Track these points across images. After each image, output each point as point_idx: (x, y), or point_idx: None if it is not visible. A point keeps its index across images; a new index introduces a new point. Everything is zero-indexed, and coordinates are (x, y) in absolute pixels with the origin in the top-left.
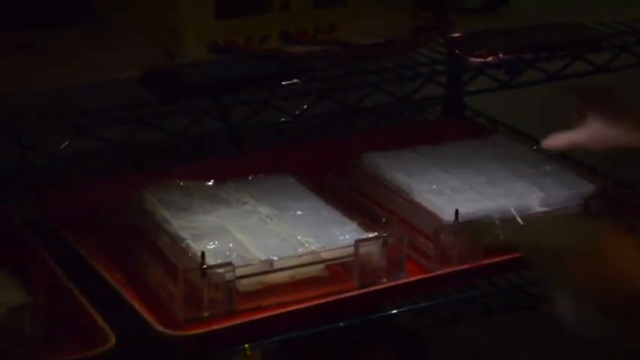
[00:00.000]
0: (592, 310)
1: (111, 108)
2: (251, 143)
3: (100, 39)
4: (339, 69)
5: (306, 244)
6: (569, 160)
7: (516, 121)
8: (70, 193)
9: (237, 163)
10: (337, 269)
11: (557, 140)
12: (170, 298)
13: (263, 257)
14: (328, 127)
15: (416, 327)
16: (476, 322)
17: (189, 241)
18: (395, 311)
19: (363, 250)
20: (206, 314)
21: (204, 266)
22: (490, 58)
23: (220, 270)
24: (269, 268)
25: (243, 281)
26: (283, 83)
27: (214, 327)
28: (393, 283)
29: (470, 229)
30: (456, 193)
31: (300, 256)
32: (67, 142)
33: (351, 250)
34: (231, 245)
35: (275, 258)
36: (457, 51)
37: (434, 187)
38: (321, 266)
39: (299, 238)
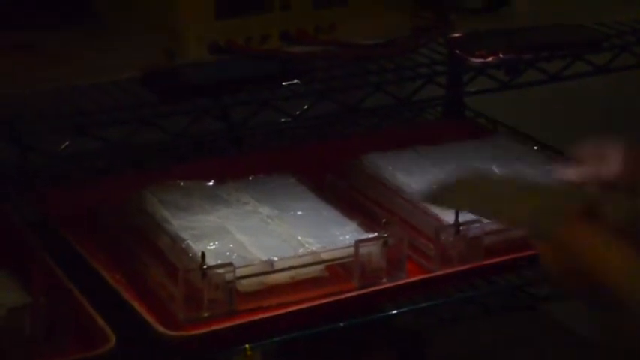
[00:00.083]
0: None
1: (111, 108)
2: (251, 143)
3: (100, 39)
4: (339, 69)
5: (307, 245)
6: (570, 160)
7: (516, 122)
8: (70, 193)
9: (237, 164)
10: (337, 269)
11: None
12: (170, 298)
13: (263, 257)
14: (328, 128)
15: (416, 327)
16: (475, 322)
17: (190, 242)
18: (395, 311)
19: (364, 250)
20: (206, 314)
21: (205, 266)
22: (490, 59)
23: (221, 270)
24: (269, 268)
25: (244, 281)
26: (283, 83)
27: (214, 327)
28: (394, 284)
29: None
30: None
31: (300, 256)
32: (67, 143)
33: (352, 250)
34: (231, 245)
35: (275, 258)
36: (457, 51)
37: (434, 187)
38: (321, 266)
39: (299, 238)
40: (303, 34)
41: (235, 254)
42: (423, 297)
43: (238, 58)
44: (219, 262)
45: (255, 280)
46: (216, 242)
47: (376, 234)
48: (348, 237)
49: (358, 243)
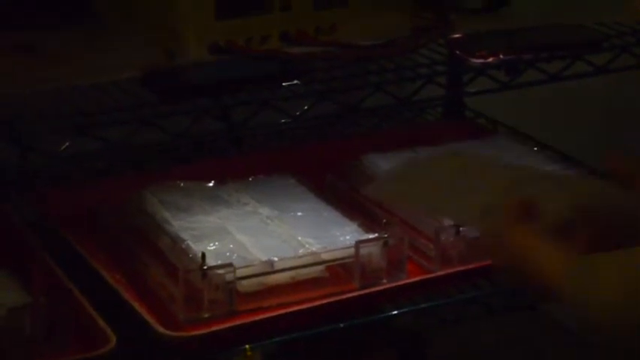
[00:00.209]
0: None
1: (111, 108)
2: (251, 144)
3: (100, 39)
4: (339, 70)
5: (307, 245)
6: (570, 160)
7: (516, 122)
8: (70, 194)
9: (237, 164)
10: (338, 270)
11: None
12: (170, 298)
13: (263, 258)
14: (329, 128)
15: (416, 328)
16: (476, 323)
17: (190, 242)
18: (395, 312)
19: (364, 251)
20: (206, 315)
21: (205, 267)
22: (490, 59)
23: (221, 271)
24: (269, 269)
25: (244, 282)
26: (284, 84)
27: (215, 328)
28: (394, 284)
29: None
30: None
31: (300, 257)
32: (67, 143)
33: (352, 251)
34: (231, 246)
35: (275, 259)
36: (457, 52)
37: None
38: (321, 267)
39: (299, 239)
40: (303, 34)
41: (235, 255)
42: (423, 297)
43: (238, 58)
44: (219, 262)
45: (255, 280)
46: (217, 243)
47: (376, 235)
48: (348, 237)
49: (358, 243)
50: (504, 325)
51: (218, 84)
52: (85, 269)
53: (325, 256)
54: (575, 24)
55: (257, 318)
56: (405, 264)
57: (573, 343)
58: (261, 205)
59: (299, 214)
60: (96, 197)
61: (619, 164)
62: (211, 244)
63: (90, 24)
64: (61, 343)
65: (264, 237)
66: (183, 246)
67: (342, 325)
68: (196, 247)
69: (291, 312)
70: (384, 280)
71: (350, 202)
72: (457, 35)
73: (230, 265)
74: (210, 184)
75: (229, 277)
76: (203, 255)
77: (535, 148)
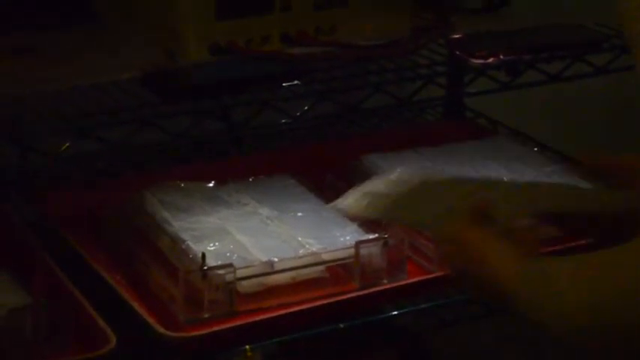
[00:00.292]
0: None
1: (111, 109)
2: (252, 144)
3: (101, 40)
4: (339, 70)
5: (307, 246)
6: (570, 161)
7: (517, 122)
8: (70, 194)
9: (237, 164)
10: (338, 270)
11: None
12: (171, 299)
13: (264, 258)
14: (329, 128)
15: (417, 328)
16: (476, 323)
17: (190, 243)
18: (395, 312)
19: (364, 251)
20: (207, 315)
21: (205, 267)
22: (490, 59)
23: (221, 271)
24: (270, 269)
25: (244, 282)
26: (284, 84)
27: (215, 328)
28: (394, 285)
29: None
30: None
31: (300, 257)
32: (67, 144)
33: (352, 251)
34: (231, 246)
35: (276, 259)
36: (458, 52)
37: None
38: (321, 267)
39: (300, 239)
40: (303, 35)
41: (236, 255)
42: (423, 298)
43: (239, 58)
44: (219, 263)
45: (255, 281)
46: (217, 243)
47: (376, 235)
48: (348, 238)
49: (359, 244)
50: (504, 325)
51: (218, 84)
52: (85, 270)
53: (325, 257)
54: (575, 24)
55: (257, 318)
56: (405, 264)
57: None
58: (261, 205)
59: (299, 214)
60: (96, 198)
61: (597, 163)
62: (211, 245)
63: (90, 24)
64: (62, 344)
65: (264, 237)
66: (184, 246)
67: (342, 325)
68: (196, 248)
69: (291, 312)
70: (384, 281)
71: None
72: (457, 35)
73: (230, 265)
74: (211, 185)
75: (229, 277)
76: (203, 255)
77: (535, 149)
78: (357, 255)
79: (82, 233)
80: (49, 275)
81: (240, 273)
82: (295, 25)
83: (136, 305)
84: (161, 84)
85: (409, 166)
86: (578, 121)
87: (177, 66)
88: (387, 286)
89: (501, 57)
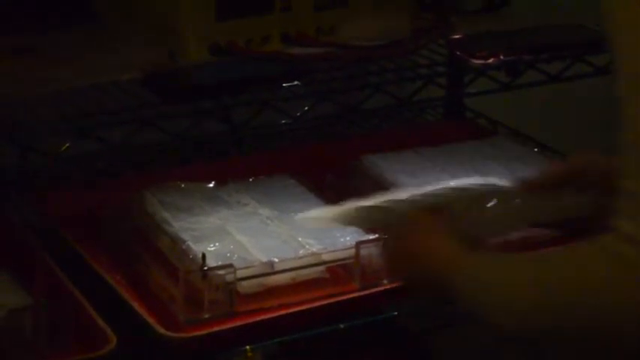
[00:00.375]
0: None
1: (111, 109)
2: (252, 144)
3: (101, 40)
4: (339, 71)
5: (307, 246)
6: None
7: (517, 122)
8: (70, 194)
9: (237, 165)
10: (338, 271)
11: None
12: (171, 299)
13: (264, 259)
14: (329, 129)
15: (417, 328)
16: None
17: (190, 243)
18: (396, 313)
19: (364, 251)
20: (207, 316)
21: (205, 268)
22: (491, 60)
23: (221, 272)
24: (270, 269)
25: (244, 283)
26: (284, 85)
27: (215, 329)
28: (394, 285)
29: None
30: None
31: (301, 257)
32: (67, 144)
33: (352, 251)
34: (231, 247)
35: (276, 260)
36: (458, 52)
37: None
38: (322, 268)
39: (300, 239)
40: (303, 35)
41: (236, 255)
42: (423, 298)
43: (239, 59)
44: (219, 263)
45: (255, 281)
46: (217, 243)
47: (376, 235)
48: (348, 238)
49: (359, 244)
50: None
51: (218, 85)
52: (85, 270)
53: (325, 257)
54: (575, 24)
55: (257, 319)
56: None
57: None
58: (261, 205)
59: (299, 214)
60: (96, 198)
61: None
62: (212, 245)
63: (90, 24)
64: (62, 344)
65: (264, 238)
66: (184, 247)
67: (342, 325)
68: (197, 248)
69: (291, 313)
70: (385, 281)
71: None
72: (457, 36)
73: (230, 265)
74: (211, 185)
75: (230, 277)
76: (203, 256)
77: (535, 149)
78: (357, 255)
79: (82, 233)
80: (49, 275)
81: (240, 273)
82: (295, 25)
83: (136, 305)
84: (161, 84)
85: (409, 166)
86: (578, 121)
87: (178, 66)
88: (387, 287)
89: (501, 57)
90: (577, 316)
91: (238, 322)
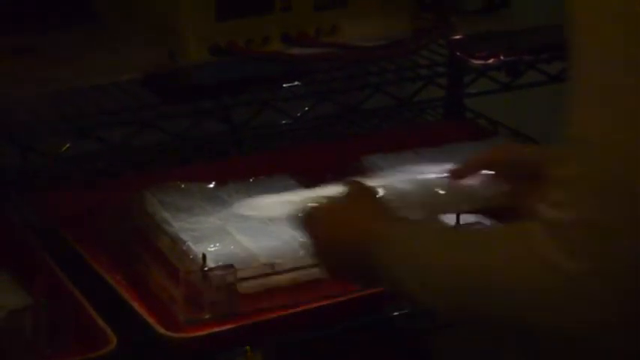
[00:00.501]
0: None
1: (112, 110)
2: (252, 145)
3: (101, 40)
4: (340, 71)
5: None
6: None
7: (517, 123)
8: (70, 195)
9: (238, 165)
10: None
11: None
12: (171, 300)
13: (264, 259)
14: (329, 129)
15: (417, 328)
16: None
17: (190, 243)
18: (397, 313)
19: None
20: (207, 316)
21: (206, 268)
22: (491, 60)
23: (222, 272)
24: (270, 270)
25: (245, 283)
26: (284, 85)
27: (215, 329)
28: None
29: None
30: None
31: (301, 258)
32: (68, 145)
33: None
34: (232, 247)
35: (276, 260)
36: (458, 53)
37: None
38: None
39: (300, 240)
40: (303, 35)
41: (236, 256)
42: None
43: (239, 59)
44: (220, 263)
45: (256, 282)
46: (217, 244)
47: None
48: None
49: None
50: None
51: (219, 85)
52: (85, 270)
53: None
54: None
55: (258, 319)
56: None
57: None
58: None
59: (299, 214)
60: (96, 198)
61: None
62: (212, 245)
63: (90, 24)
64: (62, 344)
65: (264, 238)
66: (184, 247)
67: (342, 326)
68: (197, 248)
69: (291, 313)
70: None
71: None
72: (457, 36)
73: (231, 266)
74: (211, 185)
75: (230, 278)
76: (204, 256)
77: None
78: None
79: (82, 234)
80: (49, 275)
81: (240, 274)
82: (295, 25)
83: (136, 305)
84: (161, 84)
85: (409, 166)
86: None
87: (178, 66)
88: None
89: (501, 58)
90: (485, 296)
91: (239, 323)
